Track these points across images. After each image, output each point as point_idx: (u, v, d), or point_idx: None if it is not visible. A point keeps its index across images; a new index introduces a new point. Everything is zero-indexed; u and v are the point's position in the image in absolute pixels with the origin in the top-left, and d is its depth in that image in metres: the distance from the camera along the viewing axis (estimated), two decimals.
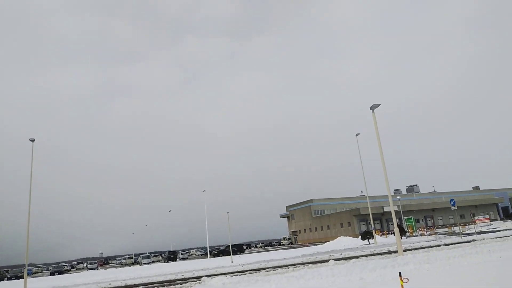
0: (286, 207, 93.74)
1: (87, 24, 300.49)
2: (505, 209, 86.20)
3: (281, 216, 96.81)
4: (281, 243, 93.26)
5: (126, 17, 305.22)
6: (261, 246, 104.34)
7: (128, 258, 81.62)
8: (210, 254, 59.73)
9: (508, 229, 39.97)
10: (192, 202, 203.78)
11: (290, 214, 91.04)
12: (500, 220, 75.31)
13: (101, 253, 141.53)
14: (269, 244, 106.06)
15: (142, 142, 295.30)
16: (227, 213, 44.51)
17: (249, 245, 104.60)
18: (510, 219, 63.58)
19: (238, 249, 58.07)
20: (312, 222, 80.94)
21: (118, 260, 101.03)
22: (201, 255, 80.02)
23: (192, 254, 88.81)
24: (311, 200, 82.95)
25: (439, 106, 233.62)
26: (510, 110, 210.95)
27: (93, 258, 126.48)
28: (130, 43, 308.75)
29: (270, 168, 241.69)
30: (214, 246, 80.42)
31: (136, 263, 72.68)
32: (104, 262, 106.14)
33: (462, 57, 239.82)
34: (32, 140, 28.59)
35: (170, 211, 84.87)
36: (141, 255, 72.28)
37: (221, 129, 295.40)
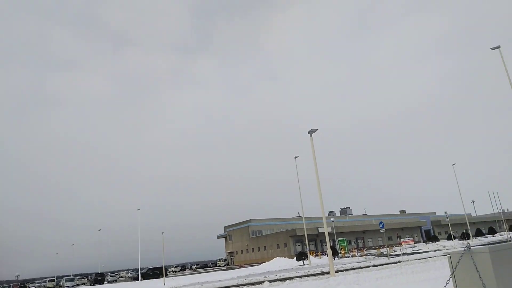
0: (224, 227, 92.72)
1: (20, 26, 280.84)
2: (427, 232, 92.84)
3: (219, 237, 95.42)
4: (217, 264, 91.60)
5: (65, 23, 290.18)
6: (196, 268, 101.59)
7: (49, 281, 74.87)
8: (133, 277, 56.54)
9: (430, 251, 42.87)
10: (125, 220, 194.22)
11: (228, 234, 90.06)
12: (423, 242, 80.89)
13: (18, 276, 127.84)
14: (205, 266, 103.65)
15: (72, 155, 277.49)
16: (162, 233, 42.91)
17: (183, 267, 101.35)
18: (431, 242, 68.48)
19: (161, 272, 55.45)
20: (249, 243, 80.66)
21: (37, 283, 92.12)
22: (131, 277, 75.78)
23: (122, 277, 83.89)
24: (249, 221, 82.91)
25: (372, 133, 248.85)
26: (435, 140, 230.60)
27: (8, 282, 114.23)
28: (67, 49, 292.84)
29: (208, 187, 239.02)
30: (147, 268, 76.72)
31: (58, 286, 66.87)
32: (20, 285, 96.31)
33: (395, 90, 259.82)
34: None
35: (100, 230, 79.69)
36: (65, 278, 66.71)
37: (160, 145, 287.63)
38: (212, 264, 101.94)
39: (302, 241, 66.15)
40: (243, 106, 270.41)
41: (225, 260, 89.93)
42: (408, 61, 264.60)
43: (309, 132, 23.55)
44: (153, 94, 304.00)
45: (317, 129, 23.41)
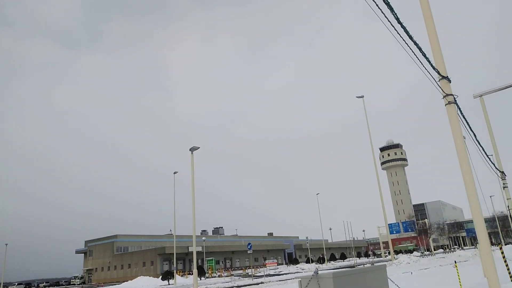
0: (85, 241, 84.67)
1: None
2: (290, 255, 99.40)
3: (77, 252, 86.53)
4: (71, 283, 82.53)
5: None
6: (45, 286, 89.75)
7: None
8: None
9: (290, 273, 45.77)
10: None
11: (89, 249, 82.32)
12: (285, 264, 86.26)
13: None
14: (56, 284, 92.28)
15: None
16: (6, 244, 37.01)
17: (29, 284, 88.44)
18: (292, 264, 73.54)
19: None
20: (112, 260, 74.92)
21: None
22: None
23: None
24: (115, 236, 77.30)
25: (251, 157, 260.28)
26: (305, 169, 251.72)
27: None
28: None
29: (70, 199, 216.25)
30: None
31: None
32: None
33: (276, 119, 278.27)
34: None
35: None
36: None
37: (21, 145, 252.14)
38: (65, 282, 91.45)
39: (170, 259, 64.26)
40: (126, 113, 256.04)
41: (82, 278, 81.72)
42: (289, 97, 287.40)
43: (190, 149, 23.39)
44: (25, 85, 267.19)
45: (199, 147, 23.41)
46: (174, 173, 42.32)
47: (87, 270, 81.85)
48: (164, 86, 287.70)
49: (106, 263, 76.21)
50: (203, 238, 72.57)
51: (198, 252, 64.52)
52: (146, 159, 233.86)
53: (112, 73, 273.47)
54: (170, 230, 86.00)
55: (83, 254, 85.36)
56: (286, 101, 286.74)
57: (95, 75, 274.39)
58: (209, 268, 60.23)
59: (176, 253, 57.46)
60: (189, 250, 66.24)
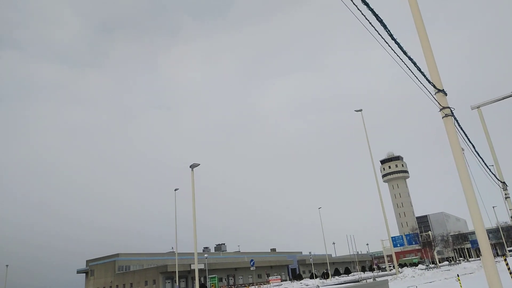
0: (87, 261, 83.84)
1: None
2: (293, 271, 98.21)
3: (79, 272, 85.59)
4: None
5: None
6: None
7: None
8: None
9: None
10: None
11: (90, 269, 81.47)
12: (289, 280, 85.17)
13: None
14: None
15: None
16: (7, 266, 36.75)
17: None
18: (296, 280, 72.59)
19: None
20: (114, 279, 74.10)
21: None
22: None
23: None
24: (117, 255, 76.63)
25: (250, 174, 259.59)
26: (306, 184, 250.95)
27: None
28: None
29: (70, 217, 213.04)
30: None
31: None
32: None
33: (273, 135, 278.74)
34: None
35: None
36: None
37: (28, 161, 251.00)
38: None
39: (173, 278, 63.53)
40: (127, 132, 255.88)
41: None
42: (288, 113, 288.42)
43: (190, 166, 23.45)
44: (17, 104, 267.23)
45: (199, 164, 23.46)
46: (175, 190, 42.35)
47: None
48: (166, 104, 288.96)
49: (108, 283, 75.34)
50: (205, 255, 71.87)
51: (200, 270, 63.77)
52: (147, 176, 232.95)
53: (114, 92, 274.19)
54: (172, 248, 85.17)
55: (84, 274, 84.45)
56: (285, 117, 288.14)
57: (100, 94, 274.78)
58: (212, 285, 59.47)
59: (179, 271, 56.85)
60: (191, 267, 65.55)
